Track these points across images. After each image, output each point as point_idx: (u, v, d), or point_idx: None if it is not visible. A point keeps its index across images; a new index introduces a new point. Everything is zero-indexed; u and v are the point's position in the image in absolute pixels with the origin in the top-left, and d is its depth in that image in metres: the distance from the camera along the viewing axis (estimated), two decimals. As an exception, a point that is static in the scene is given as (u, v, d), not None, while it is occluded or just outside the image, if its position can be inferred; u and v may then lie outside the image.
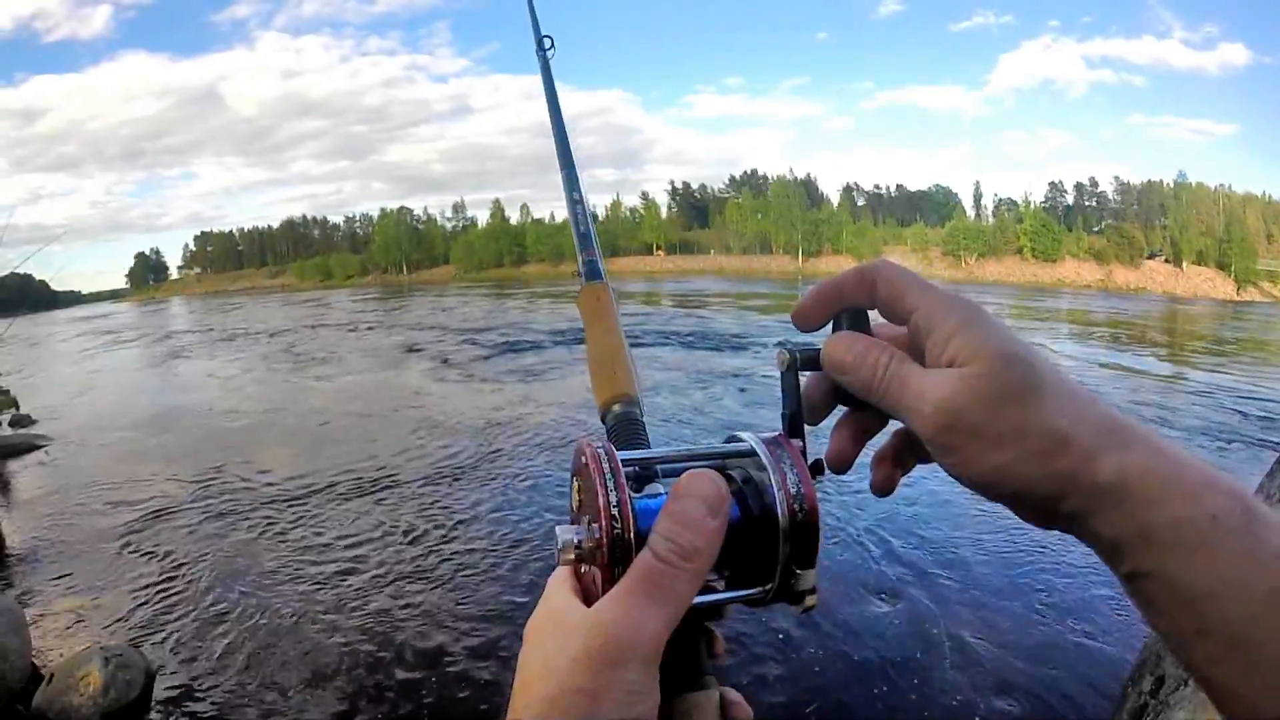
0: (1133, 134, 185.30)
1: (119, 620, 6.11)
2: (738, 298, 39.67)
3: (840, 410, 0.60)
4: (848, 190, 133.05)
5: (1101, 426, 0.46)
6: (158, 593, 6.51)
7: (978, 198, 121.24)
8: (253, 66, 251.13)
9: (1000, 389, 0.47)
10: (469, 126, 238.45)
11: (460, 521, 7.71)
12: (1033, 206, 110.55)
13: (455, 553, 6.95)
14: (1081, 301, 51.80)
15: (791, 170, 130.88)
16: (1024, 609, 5.88)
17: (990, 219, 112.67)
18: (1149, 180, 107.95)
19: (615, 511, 0.47)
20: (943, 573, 6.45)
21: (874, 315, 0.57)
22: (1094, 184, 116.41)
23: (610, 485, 0.48)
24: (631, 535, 0.47)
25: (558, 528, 0.50)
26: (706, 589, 0.48)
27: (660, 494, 0.53)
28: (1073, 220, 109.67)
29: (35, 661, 5.29)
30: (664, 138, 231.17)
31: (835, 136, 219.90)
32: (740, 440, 0.55)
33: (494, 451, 10.27)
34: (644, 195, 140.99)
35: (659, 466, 0.57)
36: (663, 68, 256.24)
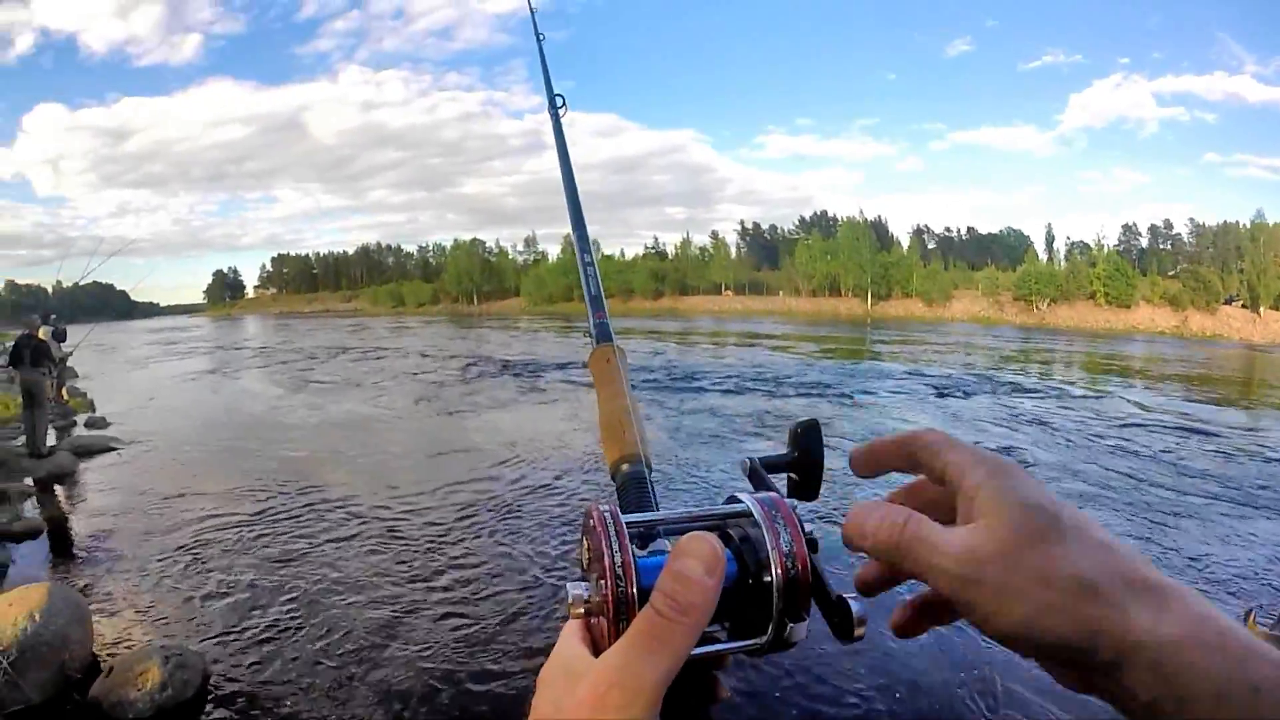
0: (1207, 173, 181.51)
1: (177, 621, 6.27)
2: (799, 340, 39.23)
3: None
4: (918, 232, 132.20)
5: (1132, 579, 0.47)
6: (215, 598, 6.67)
7: (1050, 240, 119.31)
8: (334, 97, 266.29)
9: (1021, 538, 0.48)
10: (542, 162, 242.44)
11: (504, 555, 7.64)
12: (1106, 250, 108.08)
13: (494, 583, 6.87)
14: (1155, 348, 49.77)
15: (861, 211, 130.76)
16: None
17: (1062, 262, 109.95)
18: (1224, 221, 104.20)
19: (619, 570, 0.51)
20: None
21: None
22: (1168, 226, 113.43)
23: (615, 546, 0.52)
24: (634, 591, 0.51)
25: (568, 584, 0.55)
26: (708, 639, 0.51)
27: (663, 552, 0.57)
28: (1147, 264, 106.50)
29: (95, 653, 5.32)
30: (735, 177, 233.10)
31: (906, 177, 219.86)
32: (739, 501, 0.59)
33: (544, 485, 10.20)
34: (714, 234, 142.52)
35: (661, 527, 0.61)
36: (734, 108, 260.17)
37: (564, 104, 1.33)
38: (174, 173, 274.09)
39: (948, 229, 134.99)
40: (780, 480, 0.68)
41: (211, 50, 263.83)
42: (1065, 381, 23.73)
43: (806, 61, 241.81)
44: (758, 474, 0.67)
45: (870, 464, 0.64)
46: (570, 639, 0.54)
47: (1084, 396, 19.37)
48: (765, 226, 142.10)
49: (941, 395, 18.62)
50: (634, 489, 0.75)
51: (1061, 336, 57.23)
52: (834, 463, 0.65)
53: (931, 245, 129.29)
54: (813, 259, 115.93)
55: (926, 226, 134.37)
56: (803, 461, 0.69)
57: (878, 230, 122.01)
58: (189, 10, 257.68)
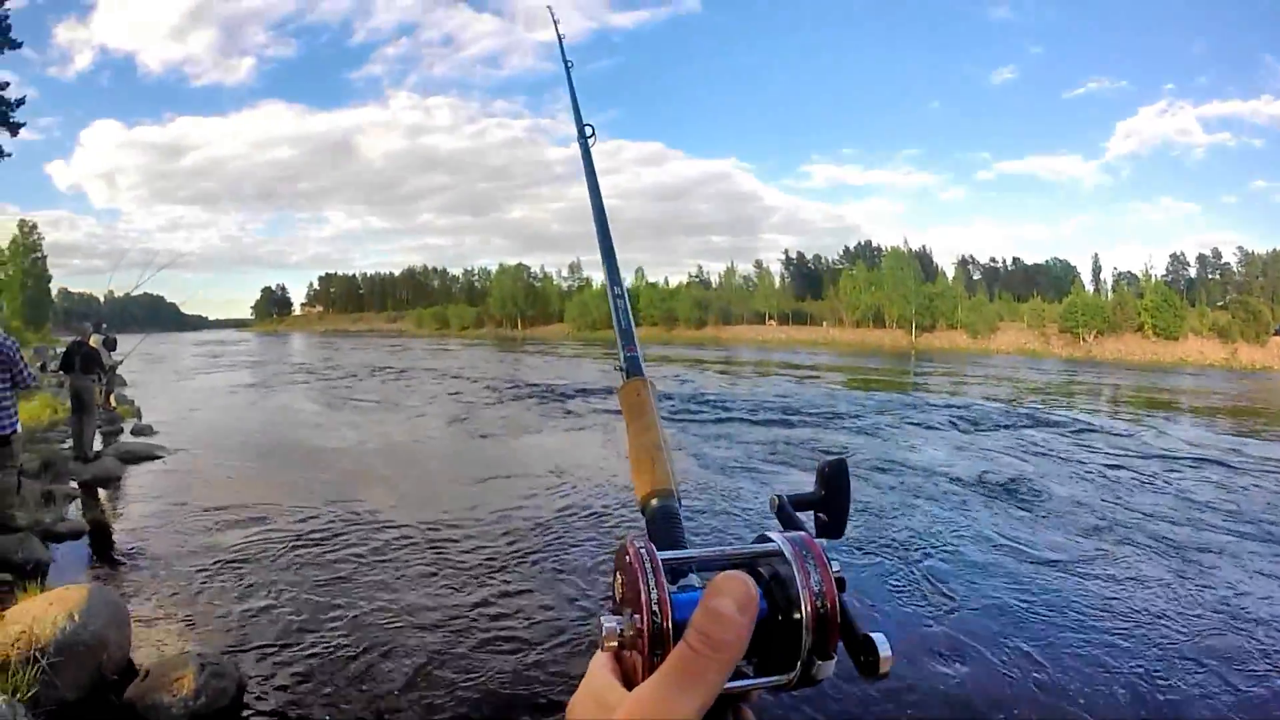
0: (1256, 200, 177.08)
1: (215, 630, 6.25)
2: (841, 371, 38.65)
3: None
4: (963, 263, 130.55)
5: None
6: (253, 610, 6.65)
7: (1096, 271, 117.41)
8: (384, 122, 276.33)
9: None
10: (586, 189, 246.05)
11: (536, 582, 7.58)
12: (1153, 280, 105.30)
13: (526, 609, 6.81)
14: (1203, 381, 48.34)
15: (906, 241, 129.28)
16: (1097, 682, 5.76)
17: (1109, 293, 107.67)
18: (1275, 249, 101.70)
19: (655, 606, 0.53)
20: (1013, 634, 6.53)
21: None
22: (1217, 255, 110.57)
23: (651, 582, 0.54)
24: (669, 625, 0.53)
25: (602, 617, 0.56)
26: (737, 674, 0.52)
27: (694, 587, 0.59)
28: (1195, 294, 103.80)
29: (132, 656, 5.34)
30: (779, 206, 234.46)
31: (951, 207, 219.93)
32: (770, 540, 0.60)
33: (575, 514, 10.14)
34: (758, 263, 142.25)
35: (688, 564, 0.62)
36: (778, 137, 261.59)
37: (593, 133, 1.35)
38: (225, 190, 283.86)
39: (993, 259, 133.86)
40: (808, 517, 0.72)
41: (265, 73, 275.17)
42: (1109, 416, 23.15)
43: (850, 90, 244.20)
44: (786, 511, 0.71)
45: None
46: (602, 671, 0.56)
47: (1124, 433, 18.82)
48: (809, 256, 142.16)
49: (978, 429, 18.27)
50: (663, 523, 0.76)
51: (1108, 370, 55.98)
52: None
53: (976, 276, 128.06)
54: (857, 289, 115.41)
55: (972, 257, 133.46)
56: (830, 500, 0.73)
57: (922, 261, 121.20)
58: (244, 34, 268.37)
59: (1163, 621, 6.82)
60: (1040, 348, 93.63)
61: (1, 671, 4.28)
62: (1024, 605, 7.15)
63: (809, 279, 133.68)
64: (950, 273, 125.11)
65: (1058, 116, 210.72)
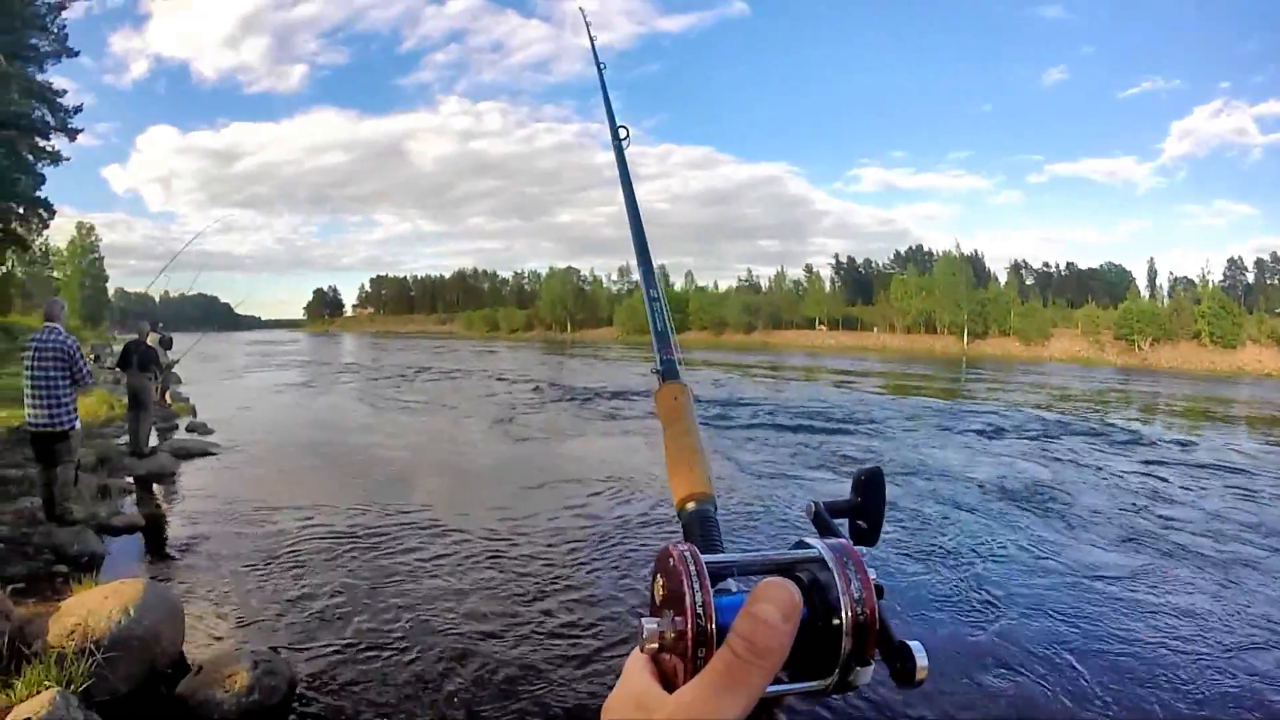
0: None
1: (267, 627, 6.29)
2: (891, 377, 37.83)
3: None
4: (1015, 268, 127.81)
5: None
6: (306, 608, 6.68)
7: (1152, 276, 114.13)
8: (434, 127, 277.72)
9: None
10: (637, 193, 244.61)
11: (580, 582, 7.54)
12: (1210, 286, 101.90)
13: (572, 610, 6.77)
14: (1261, 392, 46.51)
15: (958, 246, 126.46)
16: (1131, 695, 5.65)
17: (1165, 299, 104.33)
18: None
19: (700, 610, 0.53)
20: (1064, 650, 6.32)
21: None
22: (1276, 260, 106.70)
23: (696, 585, 0.54)
24: (713, 629, 0.53)
25: (643, 619, 0.56)
26: (774, 679, 0.52)
27: (733, 591, 0.60)
28: (1254, 300, 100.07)
29: (185, 651, 5.38)
30: (829, 210, 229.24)
31: (1003, 211, 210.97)
32: (809, 546, 0.61)
33: (618, 515, 10.10)
34: (808, 268, 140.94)
35: (728, 567, 0.63)
36: (828, 140, 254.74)
37: (627, 135, 1.34)
38: (278, 194, 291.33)
39: (1046, 264, 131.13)
40: (842, 524, 0.71)
41: (316, 80, 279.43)
42: (1162, 427, 22.48)
43: (900, 92, 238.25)
44: (822, 518, 0.70)
45: None
46: (640, 673, 0.56)
47: (1176, 445, 18.19)
48: (860, 260, 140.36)
49: (1026, 439, 17.82)
50: (700, 527, 0.77)
51: (1163, 379, 54.31)
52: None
53: (1029, 281, 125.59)
54: (908, 295, 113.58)
55: (1024, 262, 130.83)
56: (866, 508, 0.73)
57: (974, 265, 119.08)
58: (295, 42, 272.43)
59: (1207, 639, 6.56)
60: (1094, 355, 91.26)
61: (56, 664, 4.31)
62: (1062, 617, 6.97)
63: (859, 284, 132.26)
64: (1003, 278, 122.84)
65: (1111, 117, 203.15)
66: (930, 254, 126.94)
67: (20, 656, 4.49)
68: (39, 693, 3.92)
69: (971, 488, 12.36)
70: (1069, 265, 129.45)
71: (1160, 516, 10.66)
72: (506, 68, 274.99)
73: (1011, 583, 7.90)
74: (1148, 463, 15.12)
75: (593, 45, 1.71)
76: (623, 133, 1.34)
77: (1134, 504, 11.40)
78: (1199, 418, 26.67)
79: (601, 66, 1.59)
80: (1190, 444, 18.58)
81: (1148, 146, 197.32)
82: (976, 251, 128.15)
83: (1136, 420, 23.77)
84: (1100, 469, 14.30)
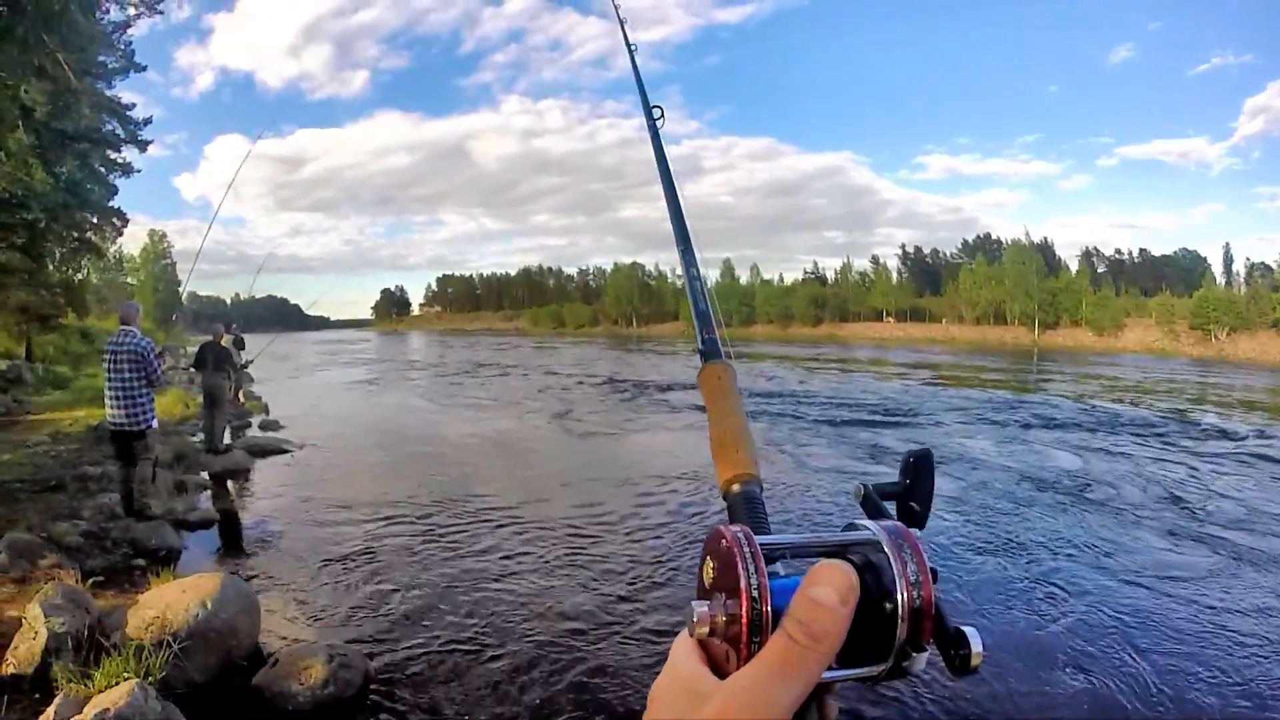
0: None
1: (341, 621, 6.33)
2: (960, 370, 36.64)
3: None
4: (1087, 255, 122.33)
5: None
6: (379, 603, 6.71)
7: (1228, 263, 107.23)
8: (496, 126, 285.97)
9: None
10: (700, 186, 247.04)
11: (653, 578, 7.45)
12: None
13: (643, 603, 6.68)
14: None
15: (1027, 233, 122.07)
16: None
17: (1242, 287, 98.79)
18: None
19: (755, 593, 0.51)
20: (1126, 647, 6.10)
21: None
22: None
23: (751, 568, 0.52)
24: (769, 611, 0.51)
25: (694, 603, 0.55)
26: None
27: (782, 575, 0.58)
28: None
29: (260, 644, 5.43)
30: (894, 199, 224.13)
31: (1072, 196, 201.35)
32: (862, 528, 0.60)
33: (678, 504, 10.05)
34: (874, 259, 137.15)
35: (780, 550, 0.61)
36: (892, 127, 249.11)
37: (661, 115, 1.33)
38: (344, 197, 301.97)
39: (1118, 251, 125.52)
40: (890, 508, 0.69)
41: (378, 85, 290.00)
42: (1240, 421, 21.49)
43: (963, 77, 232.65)
44: (871, 500, 0.68)
45: None
46: (689, 658, 0.54)
47: (1252, 439, 17.48)
48: (927, 250, 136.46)
49: (1101, 434, 17.22)
50: (746, 508, 0.74)
51: (1240, 371, 51.68)
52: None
53: (1101, 269, 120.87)
54: (976, 285, 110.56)
55: (1096, 249, 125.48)
56: (915, 491, 0.70)
57: (1044, 253, 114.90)
58: (356, 49, 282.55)
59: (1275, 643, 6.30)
60: (1169, 346, 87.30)
61: (135, 655, 4.36)
62: (1123, 615, 6.71)
63: (927, 274, 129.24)
64: (1074, 266, 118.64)
65: (1181, 96, 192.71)
66: (999, 242, 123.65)
67: (99, 648, 4.56)
68: (117, 684, 3.96)
69: (1034, 481, 11.97)
70: (1141, 252, 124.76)
71: (1234, 518, 10.18)
72: (566, 65, 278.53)
73: (1070, 577, 7.63)
74: (1220, 457, 14.50)
75: (622, 26, 1.71)
76: (657, 112, 1.32)
77: (1205, 503, 10.87)
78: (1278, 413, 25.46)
79: (632, 49, 1.61)
80: (1269, 439, 17.83)
81: (1220, 125, 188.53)
82: (1046, 239, 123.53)
83: (1213, 414, 22.76)
84: (1173, 465, 13.74)
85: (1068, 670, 5.62)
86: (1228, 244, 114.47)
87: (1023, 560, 8.11)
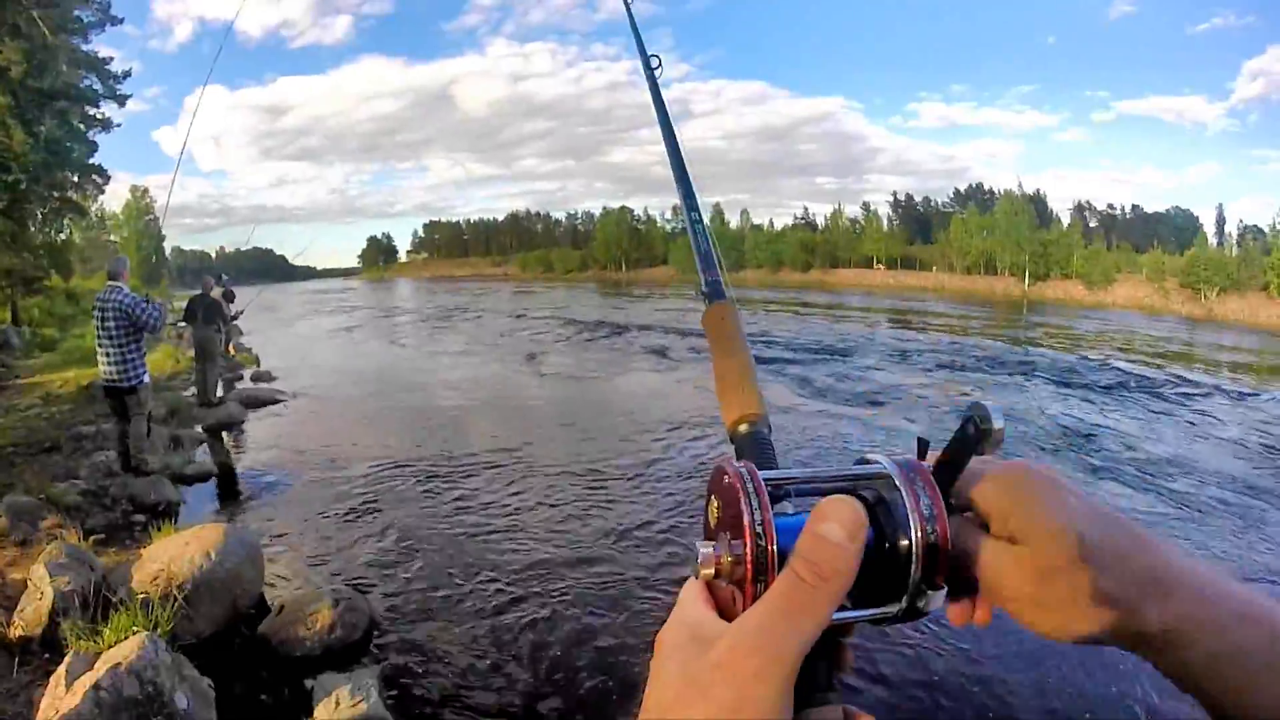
0: None
1: (343, 566, 6.42)
2: (950, 318, 35.96)
3: None
4: (1079, 209, 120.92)
5: (1145, 579, 0.54)
6: (378, 547, 6.81)
7: (1220, 223, 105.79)
8: (483, 70, 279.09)
9: (1054, 565, 0.53)
10: (690, 130, 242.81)
11: (651, 519, 7.53)
12: None
13: (635, 544, 6.76)
14: None
15: (1020, 185, 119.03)
16: None
17: (1234, 248, 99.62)
18: None
19: (759, 529, 0.49)
20: None
21: None
22: None
23: (754, 504, 0.50)
24: (774, 550, 0.49)
25: (698, 543, 0.53)
26: (839, 606, 0.50)
27: (790, 513, 0.55)
28: None
29: (264, 593, 5.48)
30: (887, 146, 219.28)
31: (1067, 149, 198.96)
32: (873, 462, 0.58)
33: (672, 445, 10.10)
34: (865, 206, 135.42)
35: (789, 487, 0.59)
36: (886, 73, 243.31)
37: (659, 64, 1.30)
38: (329, 145, 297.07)
39: (1111, 206, 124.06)
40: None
41: (362, 30, 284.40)
42: (1230, 380, 21.55)
43: (960, 24, 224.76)
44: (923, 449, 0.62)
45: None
46: (695, 602, 0.53)
47: (1242, 398, 17.48)
48: (918, 199, 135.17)
49: (1095, 389, 17.44)
50: (754, 449, 0.72)
51: (1228, 331, 51.20)
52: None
53: (1093, 224, 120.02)
54: (968, 234, 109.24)
55: (1089, 203, 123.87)
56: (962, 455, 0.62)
57: (1037, 206, 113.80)
58: None
59: None
60: (1159, 303, 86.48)
61: (142, 609, 4.39)
62: None
63: (918, 222, 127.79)
64: (1066, 219, 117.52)
65: (1180, 54, 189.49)
66: (991, 193, 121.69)
67: (106, 605, 4.59)
68: (127, 638, 3.99)
69: (1042, 433, 12.16)
70: (1134, 208, 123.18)
71: (1232, 474, 10.18)
72: (553, 7, 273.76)
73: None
74: (1216, 417, 14.53)
75: None
76: (655, 62, 1.30)
77: (1204, 460, 10.89)
78: (1268, 373, 25.22)
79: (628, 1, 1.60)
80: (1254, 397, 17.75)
81: (1218, 86, 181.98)
82: (1039, 191, 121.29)
83: (1201, 371, 22.78)
84: (1164, 419, 13.84)
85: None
86: (1221, 205, 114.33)
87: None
